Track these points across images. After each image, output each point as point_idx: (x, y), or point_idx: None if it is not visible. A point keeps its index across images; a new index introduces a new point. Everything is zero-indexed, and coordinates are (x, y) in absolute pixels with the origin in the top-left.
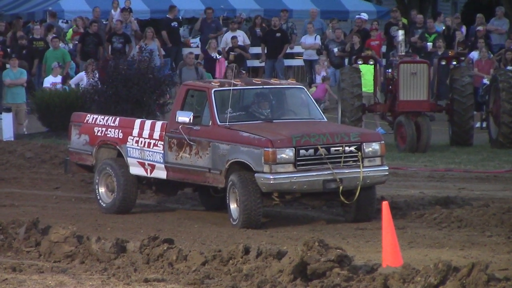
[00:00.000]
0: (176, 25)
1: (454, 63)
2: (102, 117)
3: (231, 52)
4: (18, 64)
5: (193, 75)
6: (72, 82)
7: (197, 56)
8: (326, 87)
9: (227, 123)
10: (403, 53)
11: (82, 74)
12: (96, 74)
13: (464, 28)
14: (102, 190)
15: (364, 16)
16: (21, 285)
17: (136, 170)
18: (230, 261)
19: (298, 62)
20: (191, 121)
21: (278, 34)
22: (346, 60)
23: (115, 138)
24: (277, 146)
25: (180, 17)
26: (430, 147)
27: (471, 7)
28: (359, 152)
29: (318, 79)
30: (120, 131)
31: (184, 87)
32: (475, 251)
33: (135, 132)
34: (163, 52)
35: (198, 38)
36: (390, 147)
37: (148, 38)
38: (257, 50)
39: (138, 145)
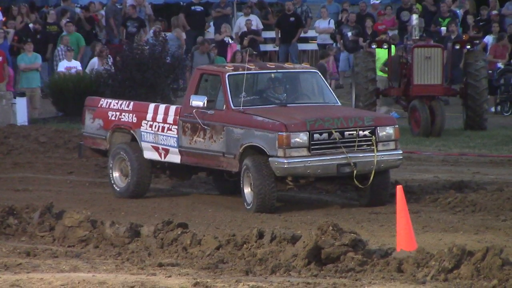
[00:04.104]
0: (198, 9)
1: (468, 47)
2: (116, 101)
3: (245, 37)
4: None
5: (204, 60)
6: (87, 70)
7: (210, 41)
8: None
9: (241, 107)
10: (417, 37)
11: (94, 60)
12: (110, 59)
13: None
14: (116, 174)
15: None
16: (35, 270)
17: (150, 154)
18: (244, 245)
19: (312, 46)
20: (205, 105)
21: (292, 19)
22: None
23: (129, 122)
24: (291, 130)
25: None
26: (444, 131)
27: None
28: (373, 136)
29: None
30: (134, 115)
31: (198, 71)
32: (489, 235)
33: (149, 116)
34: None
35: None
36: (404, 131)
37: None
38: (270, 34)
39: (152, 130)
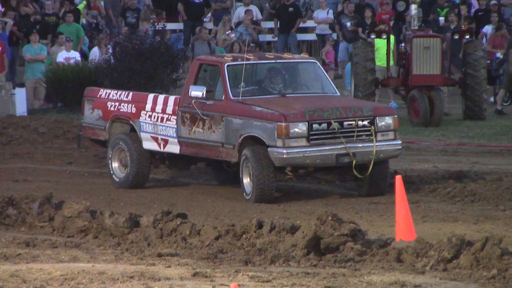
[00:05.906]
0: (197, 1)
1: (467, 37)
2: (115, 91)
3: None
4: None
5: (205, 50)
6: (90, 60)
7: (210, 31)
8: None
9: (240, 98)
10: (416, 27)
11: (95, 49)
12: (109, 48)
13: (475, 2)
14: (115, 165)
15: None
16: (35, 260)
17: (149, 144)
18: (244, 235)
19: (311, 36)
20: (204, 95)
21: (291, 9)
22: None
23: (128, 112)
24: (290, 121)
25: None
26: (443, 121)
27: None
28: (372, 126)
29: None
30: (133, 105)
31: (197, 61)
32: (488, 225)
33: (148, 106)
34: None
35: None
36: (403, 121)
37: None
38: (269, 24)
39: (151, 120)
